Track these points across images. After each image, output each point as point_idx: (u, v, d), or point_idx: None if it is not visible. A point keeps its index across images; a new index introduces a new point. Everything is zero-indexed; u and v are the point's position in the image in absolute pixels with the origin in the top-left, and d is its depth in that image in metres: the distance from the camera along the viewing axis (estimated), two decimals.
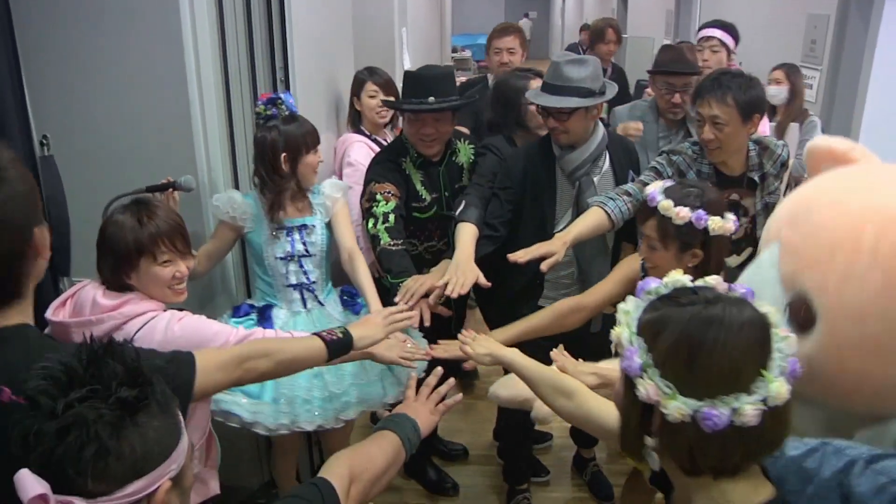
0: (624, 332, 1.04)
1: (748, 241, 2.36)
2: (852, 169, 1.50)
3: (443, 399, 1.70)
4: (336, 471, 1.34)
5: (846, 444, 1.08)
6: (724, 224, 1.82)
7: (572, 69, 2.28)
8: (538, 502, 2.96)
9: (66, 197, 2.19)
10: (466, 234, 2.25)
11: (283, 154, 2.25)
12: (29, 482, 0.86)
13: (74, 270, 2.20)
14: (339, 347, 1.72)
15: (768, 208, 2.37)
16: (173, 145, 2.27)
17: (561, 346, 1.87)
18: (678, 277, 1.08)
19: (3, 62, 1.86)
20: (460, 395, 1.74)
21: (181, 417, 1.01)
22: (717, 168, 2.34)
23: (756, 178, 2.34)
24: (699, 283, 1.06)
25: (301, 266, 2.35)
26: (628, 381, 1.03)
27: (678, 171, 2.34)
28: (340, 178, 2.90)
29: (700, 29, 4.09)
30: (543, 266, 2.07)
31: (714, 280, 1.07)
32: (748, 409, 0.94)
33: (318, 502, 1.25)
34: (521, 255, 2.10)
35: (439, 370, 1.76)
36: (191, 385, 1.43)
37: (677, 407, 0.96)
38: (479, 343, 1.87)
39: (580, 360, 1.79)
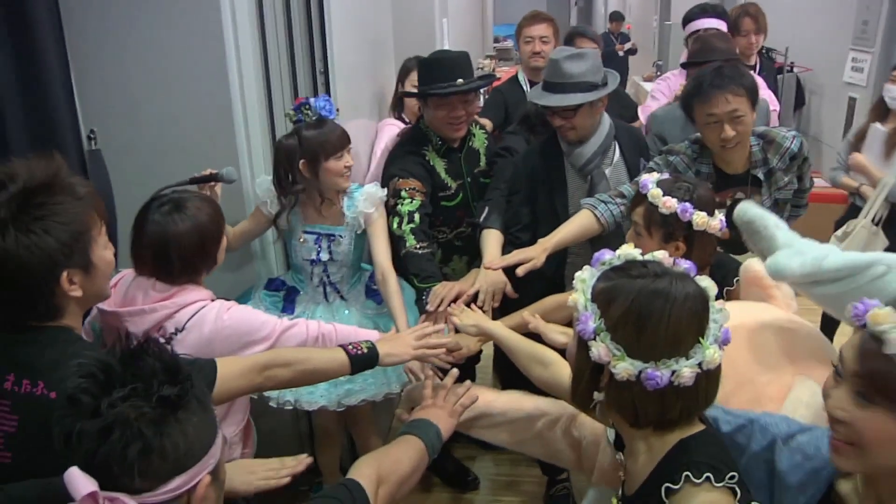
0: (580, 298, 1.15)
1: None
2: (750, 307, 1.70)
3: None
4: (365, 472, 1.36)
5: (770, 422, 1.27)
6: (710, 221, 1.80)
7: (572, 64, 2.24)
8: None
9: (113, 189, 2.24)
10: (492, 241, 2.25)
11: (302, 160, 2.23)
12: (80, 481, 0.88)
13: (119, 262, 2.25)
14: (362, 362, 1.73)
15: (778, 205, 2.28)
16: (215, 138, 2.31)
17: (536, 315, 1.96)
18: (629, 251, 1.20)
19: (54, 60, 1.92)
20: (476, 394, 1.75)
21: (215, 412, 1.03)
22: (719, 167, 2.25)
23: (760, 175, 2.24)
24: (648, 256, 1.18)
25: (325, 270, 2.38)
26: (582, 343, 1.15)
27: (675, 172, 2.24)
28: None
29: (687, 21, 3.57)
30: (519, 271, 2.05)
31: (661, 255, 1.18)
32: (686, 371, 1.07)
33: (348, 501, 1.27)
34: (497, 263, 2.11)
35: (455, 372, 1.78)
36: (210, 388, 1.46)
37: (625, 367, 1.09)
38: (467, 315, 1.96)
39: None
